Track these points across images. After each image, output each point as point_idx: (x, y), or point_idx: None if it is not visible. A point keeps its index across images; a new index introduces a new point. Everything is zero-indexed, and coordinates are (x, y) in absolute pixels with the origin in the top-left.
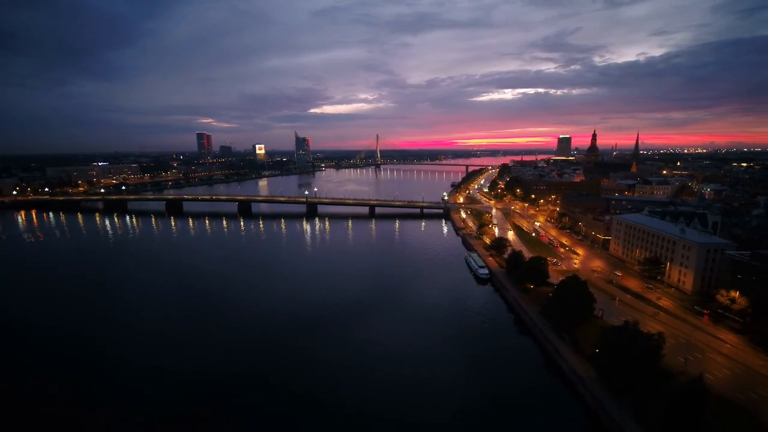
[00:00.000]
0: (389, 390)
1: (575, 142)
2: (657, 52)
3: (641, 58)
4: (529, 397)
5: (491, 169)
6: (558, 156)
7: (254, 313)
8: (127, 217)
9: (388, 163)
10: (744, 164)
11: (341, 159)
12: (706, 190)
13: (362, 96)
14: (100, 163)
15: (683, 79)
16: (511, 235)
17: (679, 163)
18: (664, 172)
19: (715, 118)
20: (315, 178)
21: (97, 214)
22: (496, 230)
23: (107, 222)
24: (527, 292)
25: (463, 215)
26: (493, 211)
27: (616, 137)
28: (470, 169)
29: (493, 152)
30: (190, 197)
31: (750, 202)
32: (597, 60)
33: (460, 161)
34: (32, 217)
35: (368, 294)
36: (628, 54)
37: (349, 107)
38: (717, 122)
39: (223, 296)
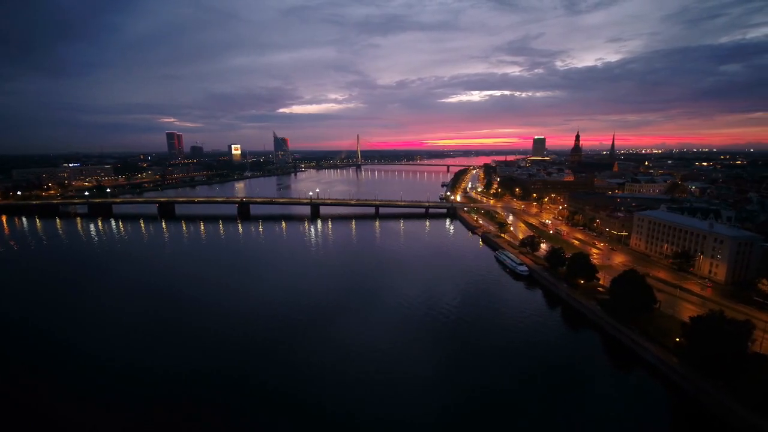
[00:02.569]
0: (502, 388)
1: None
2: (613, 57)
3: (599, 63)
4: (619, 385)
5: (473, 169)
6: (534, 156)
7: (265, 318)
8: (113, 222)
9: (368, 164)
10: (705, 163)
11: (318, 159)
12: (692, 187)
13: (332, 96)
14: (71, 164)
15: (637, 84)
16: (527, 231)
17: (647, 163)
18: (641, 170)
19: (666, 121)
20: (297, 179)
21: (78, 219)
22: (512, 228)
23: (92, 227)
24: (576, 287)
25: (474, 215)
26: (509, 213)
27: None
28: (452, 169)
29: (465, 152)
30: (183, 200)
31: (743, 199)
32: (559, 64)
33: (439, 161)
34: (2, 223)
35: (409, 297)
36: (587, 59)
37: (318, 107)
38: (667, 124)
39: (224, 301)
